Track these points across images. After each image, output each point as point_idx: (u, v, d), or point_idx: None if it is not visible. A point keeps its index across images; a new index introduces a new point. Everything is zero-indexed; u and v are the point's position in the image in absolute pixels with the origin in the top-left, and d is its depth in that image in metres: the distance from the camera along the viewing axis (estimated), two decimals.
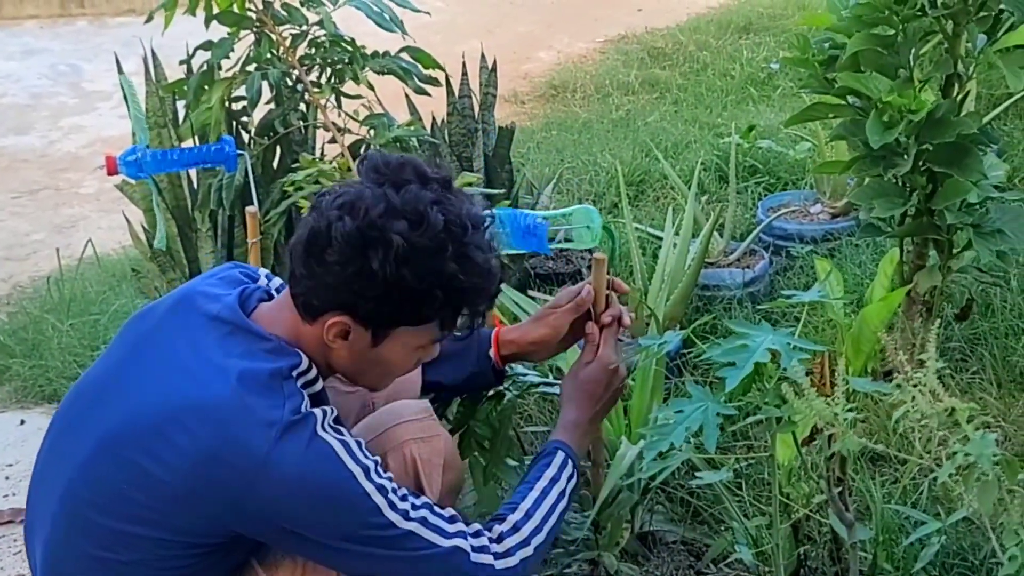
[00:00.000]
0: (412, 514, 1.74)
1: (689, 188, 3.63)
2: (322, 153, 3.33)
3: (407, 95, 3.52)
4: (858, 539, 1.96)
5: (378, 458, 1.75)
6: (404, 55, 3.14)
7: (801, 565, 2.40)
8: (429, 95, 3.16)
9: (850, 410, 1.67)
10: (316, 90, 3.02)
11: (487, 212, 1.80)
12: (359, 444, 1.73)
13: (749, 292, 3.68)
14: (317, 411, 1.71)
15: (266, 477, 1.65)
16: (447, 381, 2.18)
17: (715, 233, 3.94)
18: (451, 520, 1.79)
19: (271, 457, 1.64)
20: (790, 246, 4.02)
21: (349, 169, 2.87)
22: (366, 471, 1.70)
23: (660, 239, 3.68)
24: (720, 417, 1.87)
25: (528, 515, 1.90)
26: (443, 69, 3.20)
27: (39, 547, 1.80)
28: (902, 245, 3.02)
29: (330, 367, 1.84)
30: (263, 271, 1.97)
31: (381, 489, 1.71)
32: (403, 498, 1.74)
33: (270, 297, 1.86)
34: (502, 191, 3.29)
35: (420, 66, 3.16)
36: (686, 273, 3.28)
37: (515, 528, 1.87)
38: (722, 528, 2.61)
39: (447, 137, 3.48)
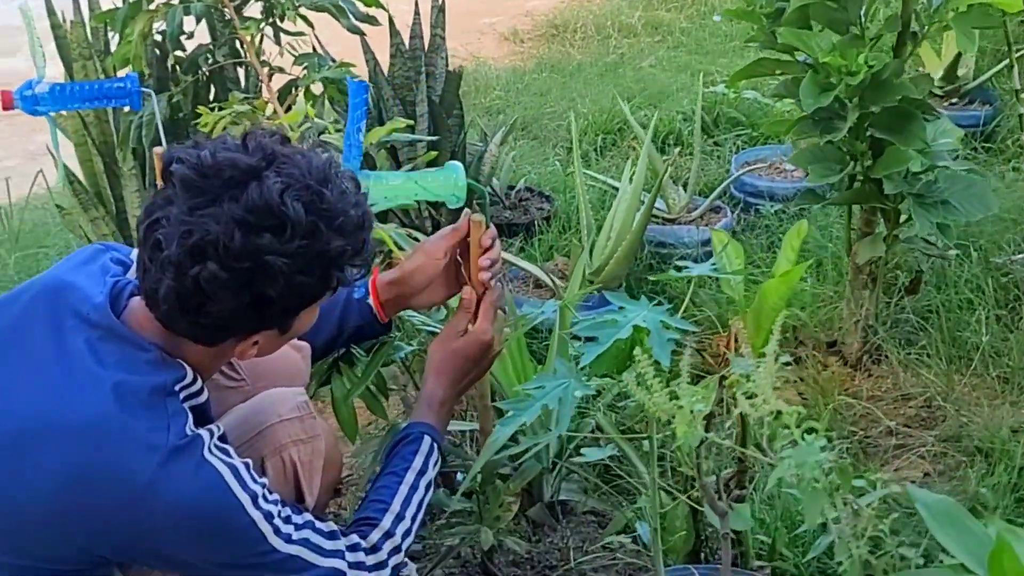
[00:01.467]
0: (295, 536, 1.64)
1: (650, 137, 3.49)
2: (258, 92, 3.21)
3: (362, 37, 3.39)
4: (729, 529, 1.85)
5: (265, 480, 1.64)
6: None
7: (702, 546, 2.30)
8: (364, 34, 3.03)
9: (702, 398, 1.55)
10: (243, 26, 2.88)
11: (320, 153, 1.63)
12: (247, 466, 1.61)
13: (708, 251, 3.54)
14: (203, 432, 1.58)
15: (147, 505, 1.52)
16: (334, 340, 2.07)
17: (680, 188, 3.80)
18: (331, 536, 1.70)
19: (154, 485, 1.51)
20: (760, 204, 3.87)
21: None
22: (254, 498, 1.59)
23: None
24: (577, 397, 1.76)
25: (400, 517, 1.80)
26: (385, 8, 3.05)
27: None
28: (850, 212, 2.88)
29: (217, 368, 1.75)
30: (135, 253, 1.77)
31: (267, 516, 1.60)
32: (287, 520, 1.64)
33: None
34: (434, 137, 3.17)
35: (359, 4, 3.02)
36: (631, 229, 3.15)
37: (389, 535, 1.78)
38: (627, 502, 2.51)
39: (391, 80, 3.33)
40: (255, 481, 1.61)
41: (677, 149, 4.23)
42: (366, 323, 2.02)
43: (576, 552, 2.44)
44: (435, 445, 1.89)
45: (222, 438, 1.62)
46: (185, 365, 1.62)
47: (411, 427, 1.91)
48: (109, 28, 3.11)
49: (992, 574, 1.32)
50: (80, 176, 3.23)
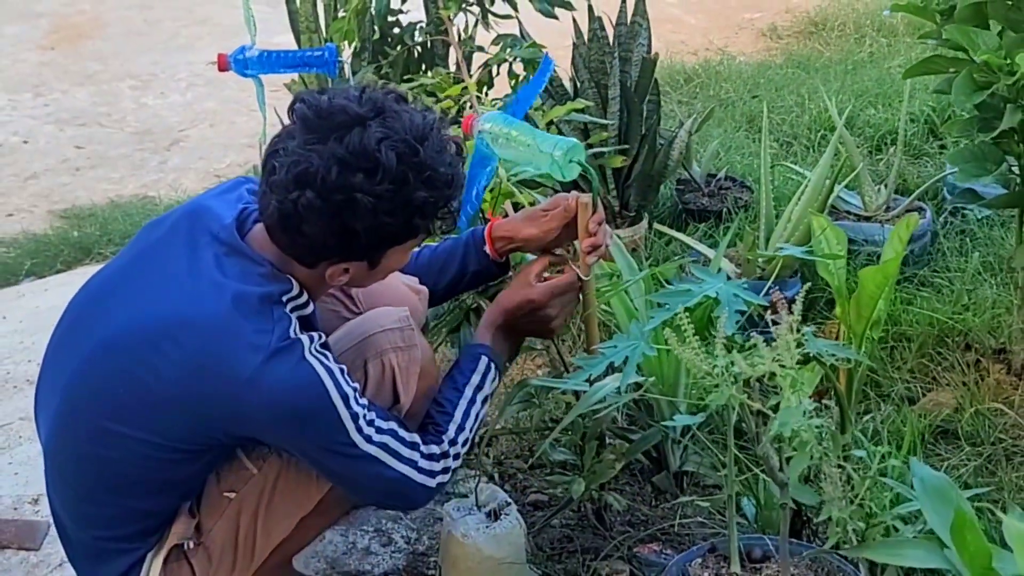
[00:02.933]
0: (375, 438, 1.86)
1: (841, 128, 3.50)
2: (466, 67, 3.44)
3: (574, 20, 3.57)
4: (789, 501, 1.91)
5: (357, 385, 1.86)
6: None
7: (806, 523, 2.35)
8: (556, 17, 3.20)
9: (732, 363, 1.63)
10: (444, 5, 3.12)
11: (427, 114, 1.84)
12: (341, 371, 1.83)
13: None
14: (304, 337, 1.81)
15: (249, 397, 1.77)
16: (458, 282, 2.27)
17: (881, 187, 3.78)
18: (411, 447, 1.92)
19: (256, 379, 1.75)
20: (971, 208, 3.77)
21: (461, 82, 2.96)
22: (345, 398, 1.81)
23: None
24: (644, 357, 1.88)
25: (461, 427, 2.02)
26: None
27: (43, 431, 1.99)
28: (1021, 216, 2.81)
29: (323, 290, 1.97)
30: None
31: (354, 416, 1.83)
32: (370, 423, 1.86)
33: None
34: (608, 121, 3.31)
35: None
36: (803, 221, 3.18)
37: (452, 443, 2.00)
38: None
39: (587, 63, 3.49)
40: (348, 384, 1.83)
41: (893, 148, 4.18)
42: (484, 267, 2.23)
43: (690, 520, 2.54)
44: (492, 364, 2.08)
45: (324, 344, 1.85)
46: (292, 280, 1.86)
47: (470, 347, 2.12)
48: (337, 4, 3.43)
49: (957, 546, 1.37)
50: None
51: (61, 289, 3.79)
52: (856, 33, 6.23)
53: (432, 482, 1.95)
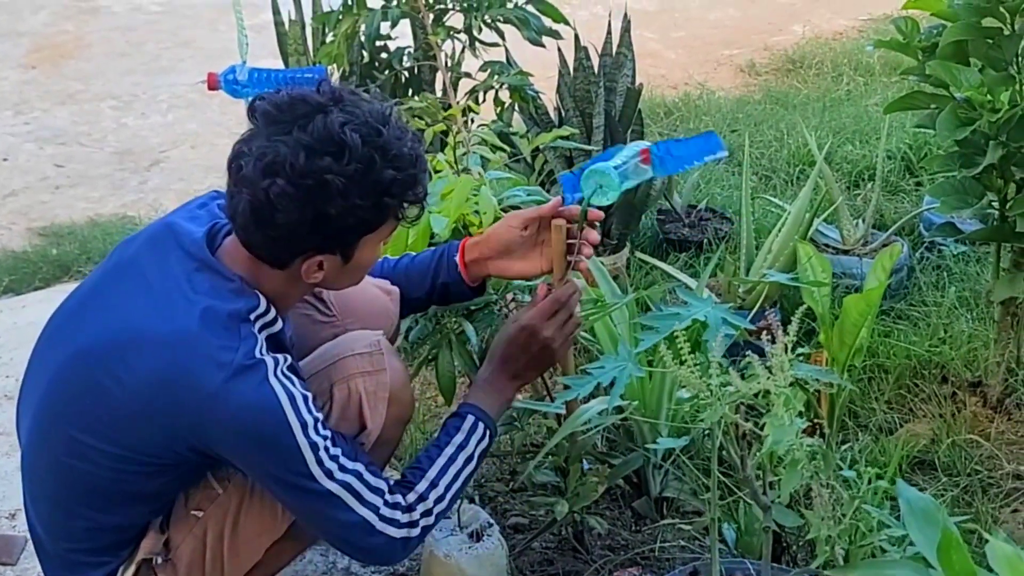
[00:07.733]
0: (337, 476, 1.84)
1: (821, 162, 3.55)
2: (453, 93, 3.47)
3: (559, 49, 3.62)
4: (772, 524, 1.93)
5: (321, 415, 1.84)
6: (530, 7, 3.23)
7: (785, 549, 2.37)
8: (544, 46, 3.23)
9: (726, 384, 1.65)
10: (434, 31, 3.15)
11: (384, 102, 1.86)
12: (306, 398, 1.82)
13: None
14: (270, 359, 1.80)
15: (211, 413, 1.77)
16: (429, 295, 2.25)
17: (860, 221, 3.82)
18: (374, 491, 1.88)
19: (218, 396, 1.75)
20: (947, 244, 3.83)
21: (448, 106, 2.98)
22: (304, 426, 1.80)
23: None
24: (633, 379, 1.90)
25: (434, 484, 1.97)
26: (568, 23, 3.26)
27: (24, 438, 1.99)
28: (998, 250, 2.86)
29: (294, 297, 1.96)
30: None
31: (313, 446, 1.80)
32: (334, 458, 1.83)
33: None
34: (593, 148, 3.34)
35: (547, 19, 3.24)
36: (784, 252, 3.22)
37: (422, 498, 1.95)
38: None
39: (573, 92, 3.53)
40: (310, 412, 1.81)
41: (870, 184, 4.23)
42: (453, 282, 2.21)
43: (670, 544, 2.55)
44: (479, 423, 2.05)
45: (291, 368, 1.84)
46: (260, 296, 1.85)
47: (461, 406, 2.09)
48: (326, 28, 3.45)
49: (943, 566, 1.39)
50: None
51: (39, 306, 3.77)
52: (833, 72, 6.30)
53: (396, 532, 1.90)
